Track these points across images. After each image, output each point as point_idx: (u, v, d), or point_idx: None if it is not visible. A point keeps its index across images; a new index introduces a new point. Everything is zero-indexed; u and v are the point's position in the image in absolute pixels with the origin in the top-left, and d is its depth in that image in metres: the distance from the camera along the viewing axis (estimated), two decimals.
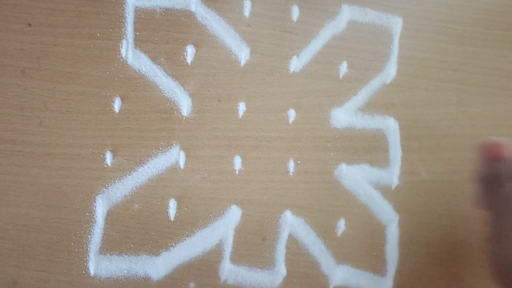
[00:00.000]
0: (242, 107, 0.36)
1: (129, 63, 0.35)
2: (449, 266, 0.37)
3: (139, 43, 0.36)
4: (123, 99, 0.35)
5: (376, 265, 0.37)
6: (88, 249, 0.33)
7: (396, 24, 0.40)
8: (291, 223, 0.36)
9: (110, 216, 0.34)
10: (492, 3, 0.42)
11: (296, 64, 0.37)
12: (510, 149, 0.28)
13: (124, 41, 0.35)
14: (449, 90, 0.40)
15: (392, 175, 0.38)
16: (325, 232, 0.36)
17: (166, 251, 0.34)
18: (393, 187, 0.38)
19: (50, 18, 0.35)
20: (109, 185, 0.34)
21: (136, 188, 0.35)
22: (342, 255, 0.36)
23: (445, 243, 0.38)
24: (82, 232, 0.34)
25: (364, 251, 0.37)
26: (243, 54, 0.37)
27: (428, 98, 0.39)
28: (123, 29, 0.35)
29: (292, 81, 0.37)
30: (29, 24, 0.34)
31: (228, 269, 0.35)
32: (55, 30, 0.35)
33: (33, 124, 0.34)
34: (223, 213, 0.35)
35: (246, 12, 0.37)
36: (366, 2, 0.40)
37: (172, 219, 0.35)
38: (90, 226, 0.34)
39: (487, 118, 0.40)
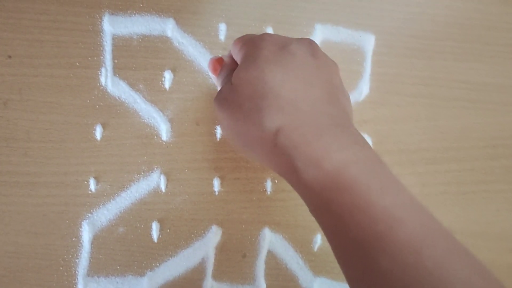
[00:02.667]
0: (219, 130, 0.44)
1: (108, 90, 0.43)
2: None
3: (118, 70, 0.43)
4: (104, 127, 0.42)
5: None
6: (76, 272, 0.41)
7: (369, 41, 0.48)
8: (269, 240, 0.44)
9: (96, 240, 0.42)
10: (462, 17, 0.50)
11: None
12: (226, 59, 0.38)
13: (103, 69, 0.42)
14: (419, 105, 0.48)
15: None
16: (302, 247, 0.45)
17: (150, 271, 0.42)
18: None
19: (30, 49, 0.42)
20: (94, 210, 0.42)
21: (120, 212, 0.42)
22: (319, 268, 0.45)
23: None
24: (70, 256, 0.41)
25: None
26: None
27: (400, 113, 0.48)
28: (101, 57, 0.43)
29: None
30: (9, 56, 0.41)
31: (210, 286, 0.43)
32: (35, 61, 0.42)
33: (17, 154, 0.41)
34: (204, 233, 0.43)
35: (222, 36, 0.45)
36: (339, 21, 0.47)
37: (155, 240, 0.43)
38: (77, 251, 0.41)
39: (457, 131, 0.49)
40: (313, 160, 0.28)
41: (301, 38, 0.34)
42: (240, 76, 0.31)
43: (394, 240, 0.26)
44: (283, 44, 0.32)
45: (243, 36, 0.35)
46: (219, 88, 0.36)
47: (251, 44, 0.33)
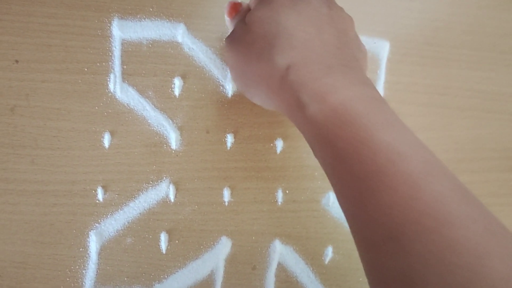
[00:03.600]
0: (230, 139, 0.46)
1: (117, 97, 0.44)
2: None
3: (127, 76, 0.44)
4: (112, 134, 0.44)
5: None
6: (84, 283, 0.43)
7: (383, 48, 0.49)
8: (280, 252, 0.46)
9: (104, 251, 0.43)
10: (478, 24, 0.51)
11: None
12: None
13: (112, 75, 0.44)
14: (433, 115, 0.50)
15: None
16: (313, 259, 0.46)
17: (159, 283, 0.44)
18: None
19: (37, 54, 0.43)
20: (102, 220, 0.43)
21: (128, 222, 0.44)
22: (330, 281, 0.47)
23: None
24: (77, 267, 0.43)
25: (351, 277, 0.47)
26: (230, 85, 0.45)
27: (414, 123, 0.49)
28: (110, 63, 0.44)
29: None
30: (16, 61, 0.42)
31: None
32: (43, 66, 0.43)
33: (25, 162, 0.42)
34: (213, 244, 0.45)
35: None
36: None
37: (164, 251, 0.44)
38: (84, 261, 0.43)
39: (471, 142, 0.50)
40: (319, 95, 0.30)
41: None
42: (254, 15, 0.34)
43: (395, 173, 0.28)
44: None
45: None
46: (231, 28, 0.39)
47: None
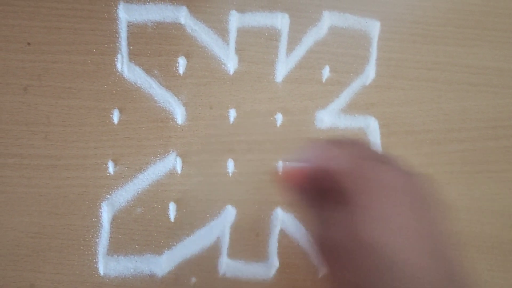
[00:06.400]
0: (232, 113, 0.45)
1: (125, 76, 0.44)
2: None
3: (133, 56, 0.44)
4: (121, 111, 0.43)
5: None
6: (97, 251, 0.42)
7: (374, 27, 0.49)
8: (282, 219, 0.46)
9: (115, 221, 0.43)
10: (462, 2, 0.51)
11: (281, 70, 0.47)
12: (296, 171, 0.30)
13: (119, 56, 0.44)
14: (423, 88, 0.50)
15: None
16: None
17: (168, 250, 0.44)
18: None
19: (48, 36, 0.43)
20: (113, 192, 0.43)
21: (137, 193, 0.43)
22: None
23: None
24: (90, 236, 0.42)
25: None
26: (231, 63, 0.45)
27: (405, 96, 0.49)
28: (117, 44, 0.44)
29: (278, 87, 0.46)
30: (28, 43, 0.42)
31: (226, 264, 0.44)
32: (53, 47, 0.43)
33: (38, 138, 0.42)
34: (219, 213, 0.45)
35: (233, 23, 0.46)
36: (346, 8, 0.49)
37: (172, 220, 0.44)
38: (97, 231, 0.43)
39: (459, 113, 0.50)
40: None
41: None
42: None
43: None
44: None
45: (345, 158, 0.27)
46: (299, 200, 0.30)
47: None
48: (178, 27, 0.45)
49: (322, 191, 0.27)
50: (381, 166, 0.27)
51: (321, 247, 0.26)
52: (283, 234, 0.46)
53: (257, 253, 0.45)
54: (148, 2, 0.44)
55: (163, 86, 0.44)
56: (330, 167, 0.27)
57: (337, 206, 0.26)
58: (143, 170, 0.43)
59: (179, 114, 0.44)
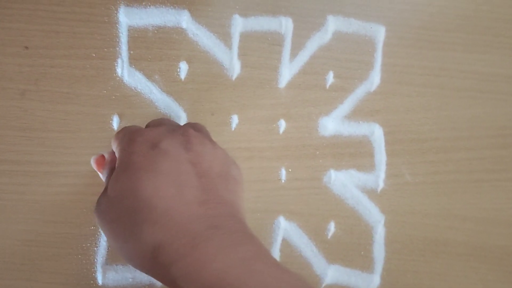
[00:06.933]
0: (234, 120, 0.44)
1: (125, 81, 0.42)
2: (432, 262, 0.46)
3: (134, 61, 0.43)
4: (121, 117, 0.42)
5: (364, 263, 0.46)
6: (95, 260, 0.41)
7: (379, 32, 0.48)
8: (284, 228, 0.44)
9: None
10: (470, 9, 0.50)
11: (284, 75, 0.45)
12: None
13: (119, 60, 0.42)
14: (430, 95, 0.48)
15: (378, 178, 0.46)
16: (316, 235, 0.45)
17: None
18: (379, 190, 0.46)
19: (46, 40, 0.41)
20: None
21: None
22: (332, 255, 0.45)
23: (427, 240, 0.46)
24: (88, 245, 0.41)
25: (353, 251, 0.45)
26: (234, 68, 0.44)
27: (410, 103, 0.48)
28: (117, 48, 0.42)
29: (281, 93, 0.45)
30: (26, 47, 0.41)
31: None
32: (52, 52, 0.41)
33: (35, 144, 0.41)
34: None
35: (236, 27, 0.45)
36: (350, 12, 0.47)
37: None
38: (95, 239, 0.41)
39: (467, 121, 0.49)
40: (190, 275, 0.26)
41: (175, 130, 0.32)
42: (114, 188, 0.29)
43: None
44: (154, 143, 0.30)
45: (119, 132, 0.33)
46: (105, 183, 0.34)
47: (125, 145, 0.31)
48: (179, 31, 0.43)
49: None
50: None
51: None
52: (285, 243, 0.44)
53: None
54: (149, 6, 0.43)
55: (164, 92, 0.43)
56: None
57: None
58: None
59: (180, 121, 0.43)
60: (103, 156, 0.36)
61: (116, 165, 0.31)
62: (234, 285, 0.25)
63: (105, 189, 0.30)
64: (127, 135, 0.31)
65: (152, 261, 0.27)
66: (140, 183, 0.28)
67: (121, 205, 0.28)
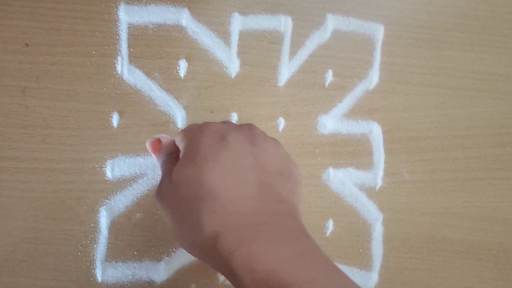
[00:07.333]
0: (234, 118, 0.44)
1: (125, 79, 0.42)
2: (429, 259, 0.47)
3: (134, 59, 0.43)
4: (121, 114, 0.42)
5: (362, 261, 0.46)
6: (95, 257, 0.41)
7: (378, 31, 0.48)
8: None
9: (114, 226, 0.41)
10: (468, 7, 0.50)
11: (284, 74, 0.45)
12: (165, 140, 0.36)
13: (119, 58, 0.42)
14: (428, 94, 0.48)
15: (376, 177, 0.46)
16: (314, 232, 0.45)
17: (167, 256, 0.42)
18: (377, 188, 0.46)
19: (47, 37, 0.41)
20: (111, 196, 0.42)
21: (137, 198, 0.42)
22: (331, 253, 0.45)
23: (425, 238, 0.46)
24: (88, 242, 0.41)
25: (351, 248, 0.45)
26: (233, 66, 0.44)
27: (409, 102, 0.48)
28: (117, 46, 0.42)
29: (280, 91, 0.45)
30: (27, 44, 0.41)
31: None
32: (52, 49, 0.41)
33: (36, 141, 0.41)
34: None
35: (235, 26, 0.45)
36: (350, 11, 0.47)
37: None
38: (95, 236, 0.41)
39: (464, 119, 0.49)
40: (248, 265, 0.27)
41: (241, 125, 0.33)
42: (179, 174, 0.30)
43: None
44: (221, 135, 0.31)
45: (185, 128, 0.34)
46: (159, 167, 0.35)
47: (191, 137, 0.32)
48: (179, 29, 0.43)
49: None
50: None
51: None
52: None
53: None
54: (149, 3, 0.43)
55: (163, 89, 0.43)
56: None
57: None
58: (143, 174, 0.42)
59: (180, 118, 0.43)
60: (159, 140, 0.36)
61: (182, 153, 0.32)
62: (285, 280, 0.26)
63: (166, 174, 0.32)
64: (196, 127, 0.32)
65: (211, 248, 0.28)
66: (206, 172, 0.29)
67: (185, 192, 0.29)
